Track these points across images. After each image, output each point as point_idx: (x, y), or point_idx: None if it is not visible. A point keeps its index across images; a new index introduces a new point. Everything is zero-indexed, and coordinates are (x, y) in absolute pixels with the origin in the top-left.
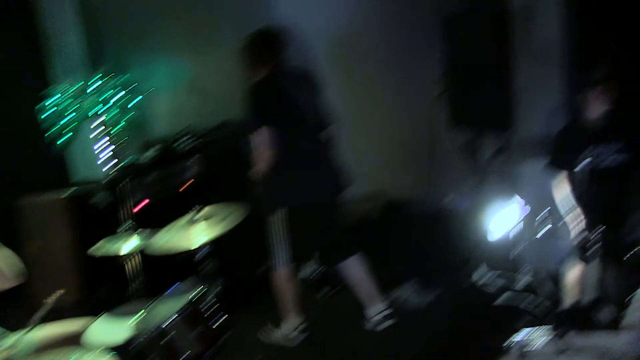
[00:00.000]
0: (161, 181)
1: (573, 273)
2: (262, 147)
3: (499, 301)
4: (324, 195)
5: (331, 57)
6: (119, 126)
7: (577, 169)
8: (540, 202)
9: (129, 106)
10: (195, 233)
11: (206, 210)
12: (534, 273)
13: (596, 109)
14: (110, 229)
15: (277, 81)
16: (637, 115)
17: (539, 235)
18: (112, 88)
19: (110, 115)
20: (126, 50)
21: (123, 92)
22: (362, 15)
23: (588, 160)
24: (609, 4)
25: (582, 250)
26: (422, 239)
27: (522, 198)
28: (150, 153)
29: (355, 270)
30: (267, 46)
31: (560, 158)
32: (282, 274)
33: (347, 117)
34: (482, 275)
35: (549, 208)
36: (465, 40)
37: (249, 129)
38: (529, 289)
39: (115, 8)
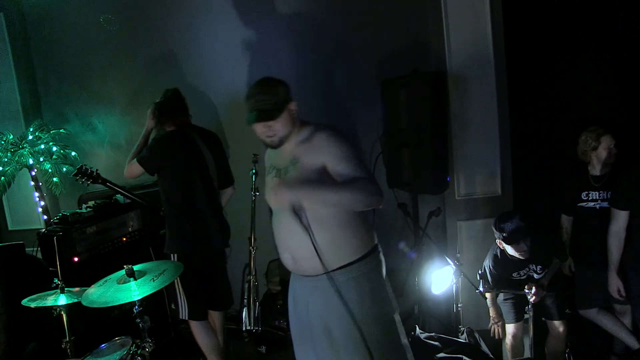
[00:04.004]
0: (96, 235)
1: (510, 332)
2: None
3: None
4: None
5: None
6: (54, 179)
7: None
8: (477, 261)
9: (64, 159)
10: (128, 290)
11: (139, 267)
12: (470, 332)
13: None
14: (44, 283)
15: (184, 133)
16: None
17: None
18: (48, 141)
19: (46, 168)
20: (63, 103)
21: (58, 146)
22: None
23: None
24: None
25: (518, 310)
26: None
27: (457, 258)
28: (86, 207)
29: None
30: (178, 104)
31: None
32: (197, 325)
33: None
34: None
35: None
36: (404, 103)
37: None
38: (465, 348)
39: (52, 61)
